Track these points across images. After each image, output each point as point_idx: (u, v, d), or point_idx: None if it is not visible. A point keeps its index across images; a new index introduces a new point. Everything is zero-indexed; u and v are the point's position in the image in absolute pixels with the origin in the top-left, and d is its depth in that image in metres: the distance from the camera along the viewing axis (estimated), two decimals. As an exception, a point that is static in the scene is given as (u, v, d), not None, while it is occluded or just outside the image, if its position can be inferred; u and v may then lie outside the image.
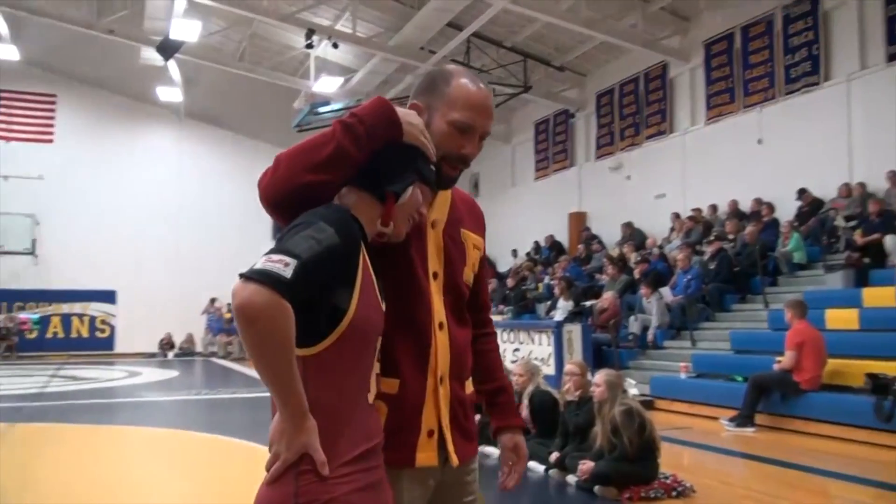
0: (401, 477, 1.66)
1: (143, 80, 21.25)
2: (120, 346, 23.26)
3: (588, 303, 13.47)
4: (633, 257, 14.83)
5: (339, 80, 18.94)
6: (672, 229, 15.66)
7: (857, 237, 11.04)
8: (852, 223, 11.71)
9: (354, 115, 1.60)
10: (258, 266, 1.35)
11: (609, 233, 17.62)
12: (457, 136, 1.74)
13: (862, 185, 12.26)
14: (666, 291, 12.58)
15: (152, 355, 22.87)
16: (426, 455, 1.70)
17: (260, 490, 1.45)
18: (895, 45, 12.20)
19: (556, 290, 14.38)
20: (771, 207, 13.71)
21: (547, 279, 17.01)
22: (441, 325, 1.74)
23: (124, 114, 23.80)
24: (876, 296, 9.61)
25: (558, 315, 13.48)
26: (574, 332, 11.34)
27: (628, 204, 17.35)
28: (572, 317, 12.99)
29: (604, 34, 15.66)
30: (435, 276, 1.78)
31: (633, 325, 12.30)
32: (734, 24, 14.99)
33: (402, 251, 1.72)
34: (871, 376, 7.56)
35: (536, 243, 20.01)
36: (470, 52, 17.40)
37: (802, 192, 13.16)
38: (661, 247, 15.08)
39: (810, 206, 12.98)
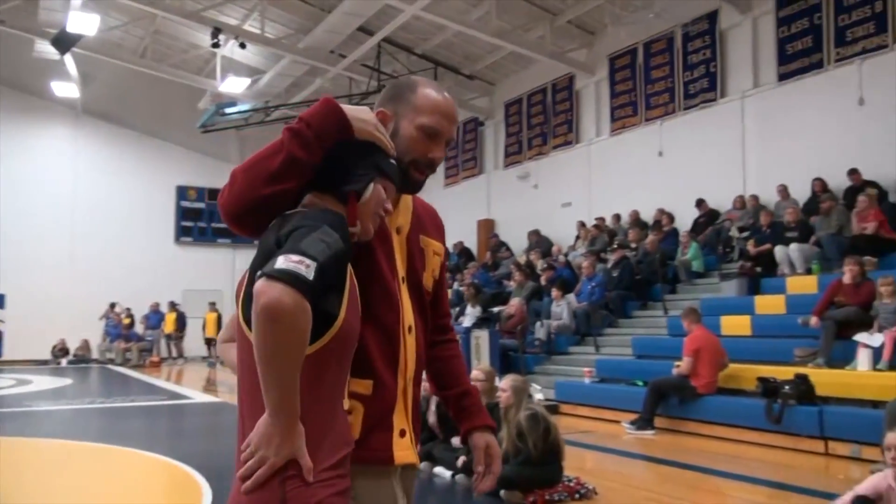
0: (383, 474, 1.70)
1: (38, 74, 20.18)
2: (8, 353, 21.93)
3: (496, 309, 13.57)
4: (539, 264, 15.06)
5: (247, 80, 18.51)
6: (577, 237, 16.00)
7: (750, 247, 11.53)
8: (745, 234, 12.23)
9: (301, 119, 1.60)
10: (280, 265, 1.35)
11: (517, 240, 17.85)
12: (425, 141, 1.78)
13: (755, 198, 12.83)
14: (571, 298, 12.81)
15: (44, 362, 21.69)
16: (404, 453, 1.74)
17: (237, 499, 1.44)
18: (785, 65, 12.84)
19: (465, 296, 14.43)
20: (671, 217, 14.18)
21: (456, 285, 17.06)
22: (410, 329, 1.79)
23: (16, 109, 22.55)
24: (767, 304, 10.05)
25: (466, 321, 13.52)
26: (482, 337, 11.39)
27: (535, 212, 17.62)
28: (480, 323, 13.06)
29: (513, 45, 15.87)
30: (403, 279, 1.82)
31: (540, 330, 12.47)
32: (637, 39, 15.46)
33: (370, 254, 1.74)
34: (762, 380, 7.89)
35: (445, 250, 20.00)
36: (380, 56, 17.32)
37: (700, 203, 13.68)
38: (566, 254, 15.37)
39: (707, 217, 13.50)
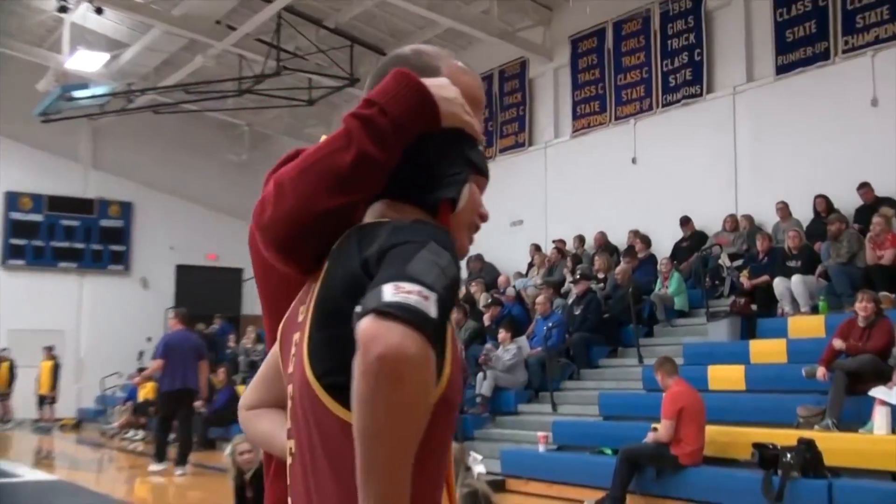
0: None
1: None
2: None
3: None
4: (482, 299, 15.11)
5: (105, 56, 18.21)
6: (531, 264, 16.15)
7: (744, 279, 11.85)
8: (738, 262, 12.57)
9: (372, 101, 1.51)
10: (391, 298, 1.23)
11: (453, 267, 17.88)
12: None
13: (749, 218, 13.22)
14: (523, 342, 12.88)
15: None
16: None
17: None
18: (784, 55, 13.33)
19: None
20: (647, 241, 14.47)
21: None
22: None
23: None
24: (764, 350, 10.33)
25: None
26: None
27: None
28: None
29: (450, 19, 16.05)
30: None
31: (482, 384, 12.48)
32: (605, 18, 15.83)
33: None
34: (759, 447, 8.07)
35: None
36: (281, 30, 17.26)
37: (686, 222, 13.97)
38: (516, 286, 15.47)
39: (692, 240, 13.82)
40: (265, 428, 1.70)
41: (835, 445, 7.94)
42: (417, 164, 1.54)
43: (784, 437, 8.18)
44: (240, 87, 18.62)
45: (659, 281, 13.16)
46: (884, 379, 8.30)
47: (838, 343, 8.70)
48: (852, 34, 12.61)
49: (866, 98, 12.27)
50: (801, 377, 8.99)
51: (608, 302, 13.13)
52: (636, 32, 15.54)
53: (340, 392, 1.33)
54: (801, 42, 13.19)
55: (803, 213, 12.50)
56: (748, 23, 14.02)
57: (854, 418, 8.40)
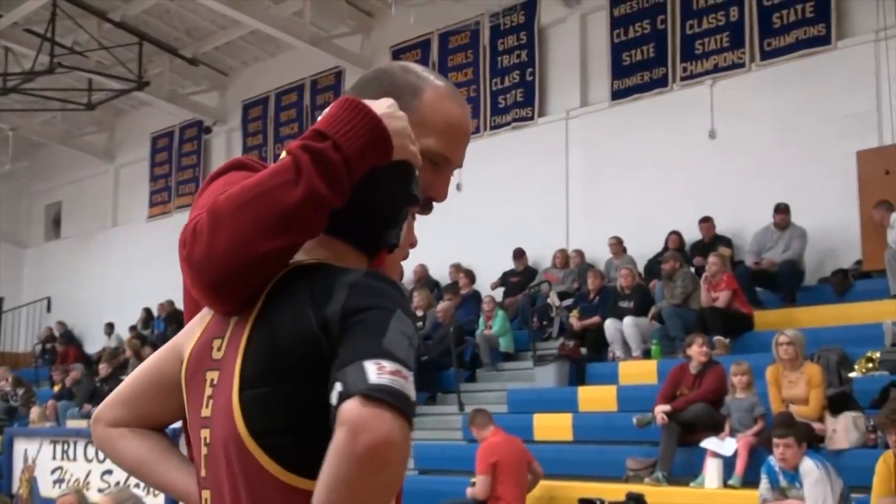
0: None
1: None
2: None
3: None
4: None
5: None
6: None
7: (574, 320, 12.24)
8: (568, 302, 12.97)
9: (324, 134, 1.49)
10: (378, 380, 1.31)
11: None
12: (427, 171, 1.73)
13: (580, 254, 13.68)
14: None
15: None
16: None
17: None
18: (620, 79, 13.96)
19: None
20: (471, 276, 14.71)
21: (160, 366, 16.53)
22: None
23: None
24: (593, 397, 10.69)
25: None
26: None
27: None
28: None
29: (256, 20, 15.93)
30: None
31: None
32: (430, 28, 16.09)
33: None
34: (584, 502, 8.32)
35: (147, 312, 19.42)
36: (55, 21, 16.64)
37: (520, 255, 14.25)
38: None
39: (523, 276, 14.15)
40: (140, 456, 1.70)
41: (665, 500, 8.28)
42: (359, 199, 1.56)
43: (612, 491, 8.47)
44: (4, 84, 17.83)
45: (482, 320, 13.37)
46: (716, 429, 8.74)
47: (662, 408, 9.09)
48: (691, 61, 13.35)
49: (704, 129, 12.98)
50: (632, 426, 9.33)
51: (426, 343, 13.24)
52: (464, 46, 15.87)
53: (282, 454, 1.43)
54: (638, 66, 13.85)
55: (638, 249, 13.04)
56: (584, 43, 14.59)
57: (685, 471, 8.79)
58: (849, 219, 11.50)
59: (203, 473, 1.57)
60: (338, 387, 1.32)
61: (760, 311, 11.24)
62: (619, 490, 8.41)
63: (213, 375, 1.54)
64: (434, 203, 1.82)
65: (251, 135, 19.04)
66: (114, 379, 16.37)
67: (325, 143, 1.48)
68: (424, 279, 15.23)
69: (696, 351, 9.27)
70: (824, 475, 7.21)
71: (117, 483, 10.63)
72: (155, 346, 17.76)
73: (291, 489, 1.42)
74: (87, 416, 15.30)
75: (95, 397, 16.12)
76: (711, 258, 11.17)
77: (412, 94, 1.73)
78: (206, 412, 1.55)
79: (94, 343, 20.46)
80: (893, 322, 9.58)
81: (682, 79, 13.42)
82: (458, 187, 15.50)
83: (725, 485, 8.34)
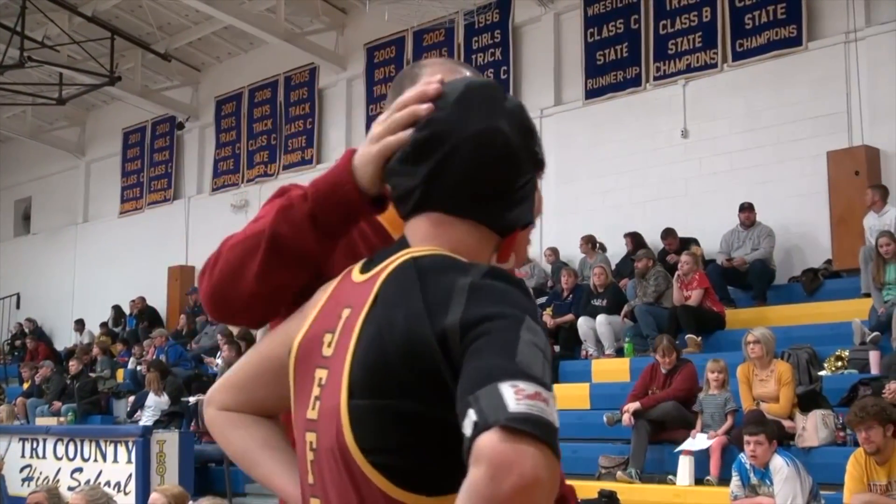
0: None
1: None
2: None
3: (192, 399, 13.24)
4: (260, 333, 14.89)
5: None
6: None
7: (547, 317, 12.31)
8: (542, 300, 13.04)
9: (303, 188, 1.58)
10: (516, 407, 1.17)
11: (226, 298, 17.62)
12: None
13: (554, 251, 13.75)
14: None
15: None
16: None
17: None
18: (594, 78, 14.04)
19: (146, 381, 13.96)
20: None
21: (132, 363, 16.43)
22: None
23: None
24: (567, 395, 10.72)
25: (146, 417, 13.09)
26: (169, 441, 11.09)
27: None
28: (168, 419, 12.72)
29: (229, 15, 15.89)
30: None
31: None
32: (405, 26, 16.11)
33: None
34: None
35: (117, 309, 19.33)
36: (26, 15, 16.53)
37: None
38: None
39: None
40: (245, 447, 1.65)
41: (637, 497, 8.37)
42: (482, 170, 1.49)
43: (584, 489, 8.51)
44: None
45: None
46: (687, 426, 8.84)
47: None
48: (664, 60, 13.45)
49: (677, 128, 13.09)
50: (604, 424, 9.42)
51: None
52: (439, 44, 15.91)
53: (391, 471, 1.34)
54: (611, 66, 13.94)
55: (611, 248, 13.13)
56: (557, 42, 14.68)
57: (657, 468, 8.89)
58: (819, 218, 11.64)
59: (311, 480, 1.49)
60: (472, 415, 1.19)
61: (732, 309, 11.35)
62: (592, 487, 8.48)
63: (321, 374, 1.47)
64: None
65: (224, 131, 18.99)
66: (84, 376, 16.31)
67: (301, 196, 1.56)
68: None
69: (660, 360, 9.44)
70: (794, 472, 7.31)
71: (87, 481, 10.64)
72: (126, 343, 17.74)
73: None
74: (57, 413, 15.24)
75: (65, 394, 16.06)
76: (683, 256, 11.27)
77: (409, 80, 1.75)
78: (312, 414, 1.48)
79: (65, 340, 20.37)
80: (863, 321, 9.71)
81: (655, 78, 13.52)
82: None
83: (698, 482, 8.43)
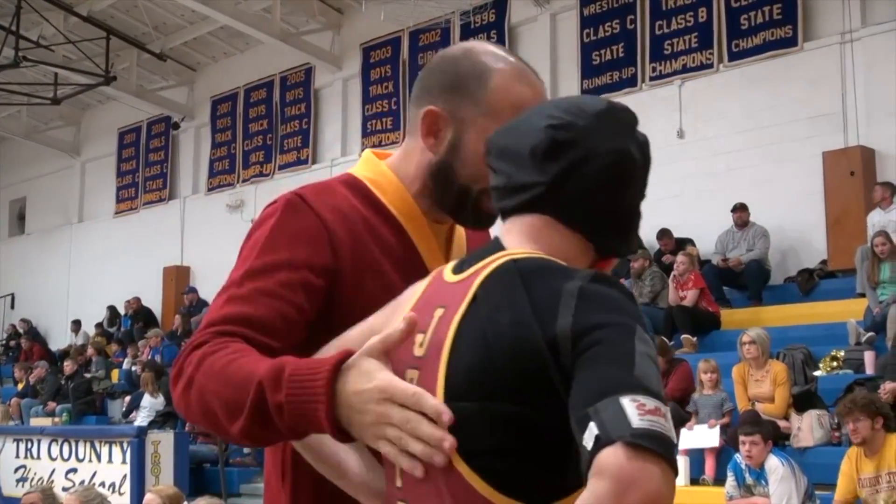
0: None
1: None
2: None
3: (187, 400, 13.30)
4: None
5: None
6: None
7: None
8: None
9: (279, 385, 1.41)
10: (639, 423, 1.18)
11: (222, 298, 17.62)
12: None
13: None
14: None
15: None
16: None
17: None
18: (590, 78, 14.07)
19: (141, 381, 13.96)
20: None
21: (127, 363, 16.43)
22: None
23: None
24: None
25: (141, 418, 13.11)
26: (164, 442, 11.09)
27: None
28: (163, 420, 12.72)
29: (225, 16, 15.89)
30: None
31: (251, 432, 12.38)
32: (401, 26, 16.11)
33: None
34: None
35: (112, 310, 19.33)
36: (21, 14, 16.54)
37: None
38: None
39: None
40: (334, 450, 1.58)
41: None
42: (616, 192, 1.51)
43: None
44: (-30, 78, 17.71)
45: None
46: (682, 426, 8.86)
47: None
48: (660, 61, 13.47)
49: (673, 129, 13.10)
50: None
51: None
52: (434, 44, 15.90)
53: (491, 475, 1.32)
54: (607, 66, 13.95)
55: (606, 248, 13.15)
56: (554, 42, 14.69)
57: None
58: (814, 218, 11.66)
59: (399, 483, 1.45)
60: (593, 428, 1.18)
61: (727, 309, 11.37)
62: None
63: (412, 374, 1.43)
64: None
65: (220, 131, 18.98)
66: (79, 376, 16.32)
67: (276, 397, 1.41)
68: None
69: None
70: (789, 472, 7.33)
71: (82, 482, 10.63)
72: (121, 344, 17.73)
73: None
74: (52, 413, 15.24)
75: (60, 395, 16.07)
76: (679, 257, 11.30)
77: (478, 83, 1.70)
78: None
79: (59, 340, 20.35)
80: (858, 321, 9.73)
81: (652, 79, 13.54)
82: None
83: (692, 482, 8.45)
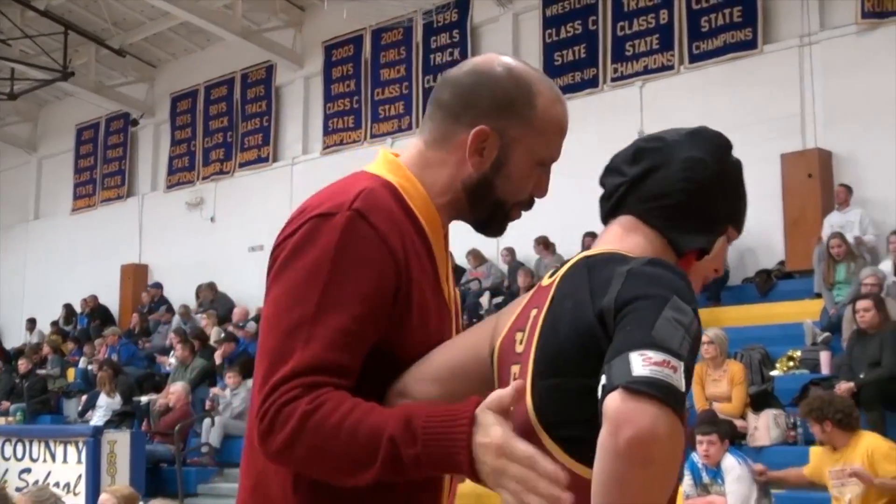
0: None
1: None
2: None
3: (144, 398, 13.22)
4: (214, 333, 14.90)
5: None
6: (270, 296, 16.06)
7: (503, 317, 12.36)
8: (499, 300, 13.09)
9: (414, 437, 1.51)
10: (641, 372, 1.29)
11: (182, 296, 17.53)
12: (540, 175, 1.84)
13: (510, 252, 13.80)
14: (258, 384, 12.85)
15: None
16: None
17: None
18: (554, 78, 13.85)
19: (98, 380, 13.85)
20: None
21: (83, 362, 16.29)
22: None
23: None
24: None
25: (97, 417, 12.99)
26: (120, 441, 11.01)
27: (211, 257, 17.45)
28: (119, 419, 12.63)
29: (186, 12, 15.80)
30: None
31: (211, 431, 12.29)
32: (363, 24, 16.11)
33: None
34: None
35: (69, 308, 19.16)
36: (-22, 9, 16.38)
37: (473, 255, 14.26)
38: (257, 319, 15.37)
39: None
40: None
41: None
42: (698, 197, 1.67)
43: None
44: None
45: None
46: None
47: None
48: (621, 62, 13.55)
49: (634, 129, 13.16)
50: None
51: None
52: (397, 43, 15.91)
53: (572, 445, 1.46)
54: (569, 66, 14.03)
55: (569, 249, 13.17)
56: (516, 41, 14.73)
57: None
58: (773, 220, 11.76)
59: None
60: (602, 380, 1.32)
61: (686, 309, 11.45)
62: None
63: (515, 369, 1.58)
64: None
65: (179, 128, 18.87)
66: (33, 375, 16.16)
67: (412, 450, 1.50)
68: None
69: None
70: (746, 472, 7.39)
71: (36, 482, 10.53)
72: (77, 342, 17.57)
73: (581, 479, 1.41)
74: (5, 412, 15.08)
75: (14, 394, 15.91)
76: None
77: (526, 104, 1.78)
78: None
79: (14, 339, 20.13)
80: (814, 321, 9.84)
81: (613, 80, 13.62)
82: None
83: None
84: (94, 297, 18.73)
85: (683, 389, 1.32)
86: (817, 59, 11.89)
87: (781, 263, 11.73)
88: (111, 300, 18.97)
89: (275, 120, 17.49)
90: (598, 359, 1.37)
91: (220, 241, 17.57)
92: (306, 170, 16.84)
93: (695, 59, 12.91)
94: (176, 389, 12.72)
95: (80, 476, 10.78)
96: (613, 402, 1.27)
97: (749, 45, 12.45)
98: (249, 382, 12.56)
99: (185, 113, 18.79)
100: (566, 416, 1.47)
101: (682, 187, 1.66)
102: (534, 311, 1.59)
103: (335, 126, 16.50)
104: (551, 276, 1.65)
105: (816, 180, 11.42)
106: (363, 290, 1.63)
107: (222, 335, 14.58)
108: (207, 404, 12.61)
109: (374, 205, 1.68)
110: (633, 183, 1.69)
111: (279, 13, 16.99)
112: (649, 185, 1.67)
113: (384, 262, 1.66)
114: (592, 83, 13.76)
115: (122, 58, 18.74)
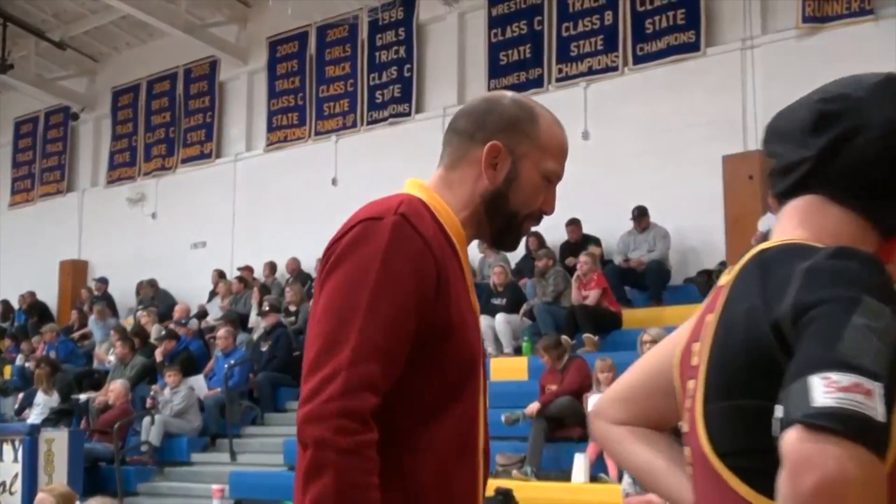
0: None
1: None
2: None
3: (83, 396, 13.09)
4: (154, 331, 14.77)
5: None
6: (213, 293, 15.94)
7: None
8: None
9: None
10: (823, 400, 1.09)
11: (123, 292, 17.35)
12: (546, 190, 2.06)
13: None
14: (200, 382, 12.73)
15: None
16: None
17: None
18: (497, 78, 14.16)
19: (35, 378, 13.66)
20: (345, 270, 14.72)
21: (20, 359, 16.06)
22: None
23: None
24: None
25: (34, 415, 12.85)
26: (58, 440, 10.88)
27: (152, 253, 17.29)
28: (57, 417, 12.51)
29: (129, 6, 15.62)
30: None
31: (150, 430, 12.19)
32: (308, 21, 16.05)
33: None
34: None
35: (6, 304, 18.88)
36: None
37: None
38: (200, 316, 15.25)
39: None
40: (650, 462, 1.63)
41: (533, 495, 8.46)
42: (892, 178, 1.39)
43: (482, 486, 8.59)
44: None
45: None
46: (583, 422, 8.96)
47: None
48: (566, 62, 13.63)
49: (578, 130, 13.26)
50: (501, 423, 9.50)
51: (299, 338, 13.19)
52: (342, 40, 15.87)
53: (748, 475, 1.30)
54: (515, 66, 14.08)
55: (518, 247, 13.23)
56: (461, 40, 14.77)
57: (553, 465, 9.00)
58: (714, 221, 11.91)
59: (694, 498, 1.46)
60: (778, 412, 1.14)
61: (629, 309, 11.56)
62: (489, 485, 8.54)
63: (691, 385, 1.43)
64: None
65: (121, 123, 18.67)
66: (-30, 372, 15.91)
67: None
68: (298, 273, 15.18)
69: (546, 361, 9.79)
70: (686, 469, 7.48)
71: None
72: (14, 339, 17.30)
73: None
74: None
75: (-50, 391, 15.65)
76: (582, 257, 11.44)
77: (530, 123, 2.01)
78: (685, 427, 1.44)
79: (-50, 335, 19.78)
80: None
81: (558, 80, 13.69)
82: (334, 181, 15.53)
83: (592, 479, 8.57)
84: (32, 294, 18.47)
85: (882, 419, 1.10)
86: (759, 63, 12.05)
87: (723, 264, 11.85)
88: (50, 296, 18.73)
89: (218, 116, 17.35)
90: (773, 378, 1.20)
91: (161, 237, 17.42)
92: (249, 166, 16.74)
93: (639, 60, 13.02)
94: (115, 387, 12.60)
95: (16, 475, 10.64)
96: (791, 442, 1.09)
97: (692, 47, 12.58)
98: (190, 380, 12.59)
99: (127, 107, 18.60)
100: (741, 446, 1.31)
101: (884, 160, 1.38)
102: (709, 317, 1.42)
103: (279, 123, 16.42)
104: (728, 274, 1.46)
105: (757, 182, 11.56)
106: (410, 285, 1.77)
107: (163, 333, 14.45)
108: (148, 402, 12.56)
109: (417, 211, 1.85)
110: (820, 159, 1.41)
111: (223, 8, 16.88)
112: (844, 157, 1.40)
113: (428, 263, 1.80)
114: (537, 83, 13.81)
115: (63, 51, 18.49)
